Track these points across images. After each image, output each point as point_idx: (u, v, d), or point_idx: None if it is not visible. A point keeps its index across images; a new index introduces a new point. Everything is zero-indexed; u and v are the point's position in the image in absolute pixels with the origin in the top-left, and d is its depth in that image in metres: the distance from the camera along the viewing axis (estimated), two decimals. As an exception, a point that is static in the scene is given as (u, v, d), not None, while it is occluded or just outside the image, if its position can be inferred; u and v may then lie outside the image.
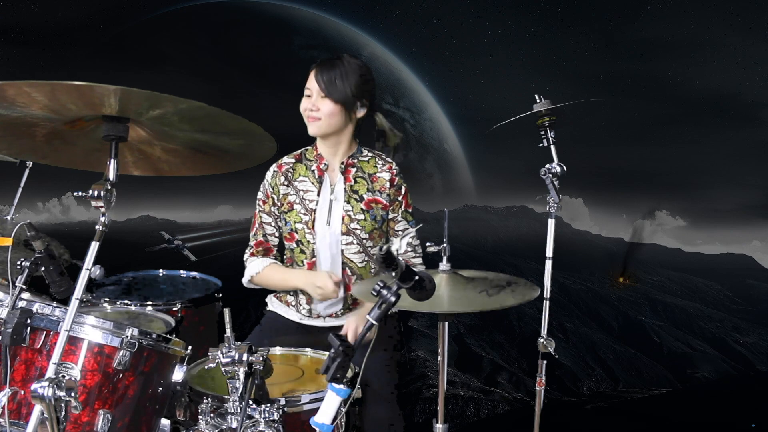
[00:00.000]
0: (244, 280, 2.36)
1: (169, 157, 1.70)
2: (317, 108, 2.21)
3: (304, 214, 2.28)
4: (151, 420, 1.68)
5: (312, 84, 2.22)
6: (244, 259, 2.38)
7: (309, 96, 2.23)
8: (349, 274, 2.29)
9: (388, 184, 2.30)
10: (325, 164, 2.31)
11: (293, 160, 2.36)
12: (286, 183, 2.32)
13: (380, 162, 2.34)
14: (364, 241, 2.27)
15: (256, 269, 2.31)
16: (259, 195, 2.37)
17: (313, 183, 2.30)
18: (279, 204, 2.32)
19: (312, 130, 2.25)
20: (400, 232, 2.34)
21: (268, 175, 2.35)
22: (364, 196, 2.29)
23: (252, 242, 2.37)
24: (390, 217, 2.34)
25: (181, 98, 1.32)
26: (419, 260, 2.37)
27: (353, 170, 2.31)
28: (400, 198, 2.34)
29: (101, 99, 1.32)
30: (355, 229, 2.26)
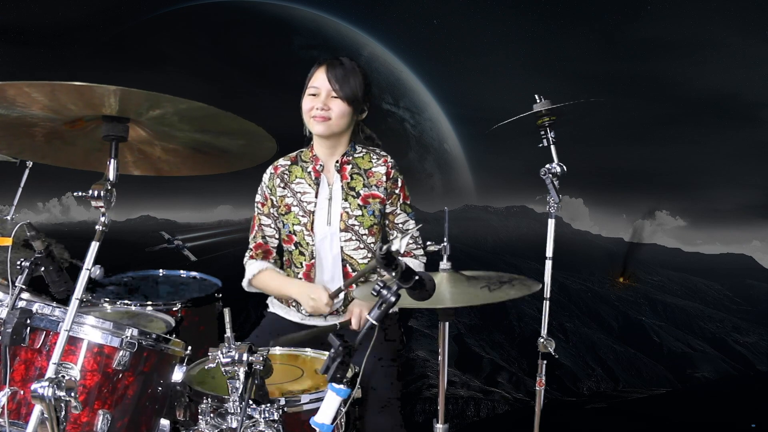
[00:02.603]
0: (244, 284, 2.35)
1: (169, 157, 1.70)
2: (328, 107, 2.18)
3: (302, 216, 2.27)
4: (150, 420, 1.68)
5: (321, 83, 2.19)
6: (244, 262, 2.37)
7: (316, 95, 2.20)
8: (350, 271, 2.29)
9: (384, 178, 2.30)
10: (321, 165, 2.30)
11: (289, 162, 2.35)
12: (282, 185, 2.31)
13: (375, 156, 2.33)
14: (364, 236, 2.27)
15: (253, 272, 2.30)
16: (257, 197, 2.36)
17: (309, 184, 2.29)
18: (277, 206, 2.32)
19: (319, 129, 2.21)
20: (401, 225, 2.34)
21: (265, 177, 2.34)
22: (361, 192, 2.28)
23: (251, 245, 2.36)
24: (389, 210, 2.33)
25: (181, 98, 1.32)
26: (420, 251, 2.37)
27: (349, 167, 2.30)
28: (397, 191, 2.33)
29: (101, 99, 1.32)
30: (353, 225, 2.26)
